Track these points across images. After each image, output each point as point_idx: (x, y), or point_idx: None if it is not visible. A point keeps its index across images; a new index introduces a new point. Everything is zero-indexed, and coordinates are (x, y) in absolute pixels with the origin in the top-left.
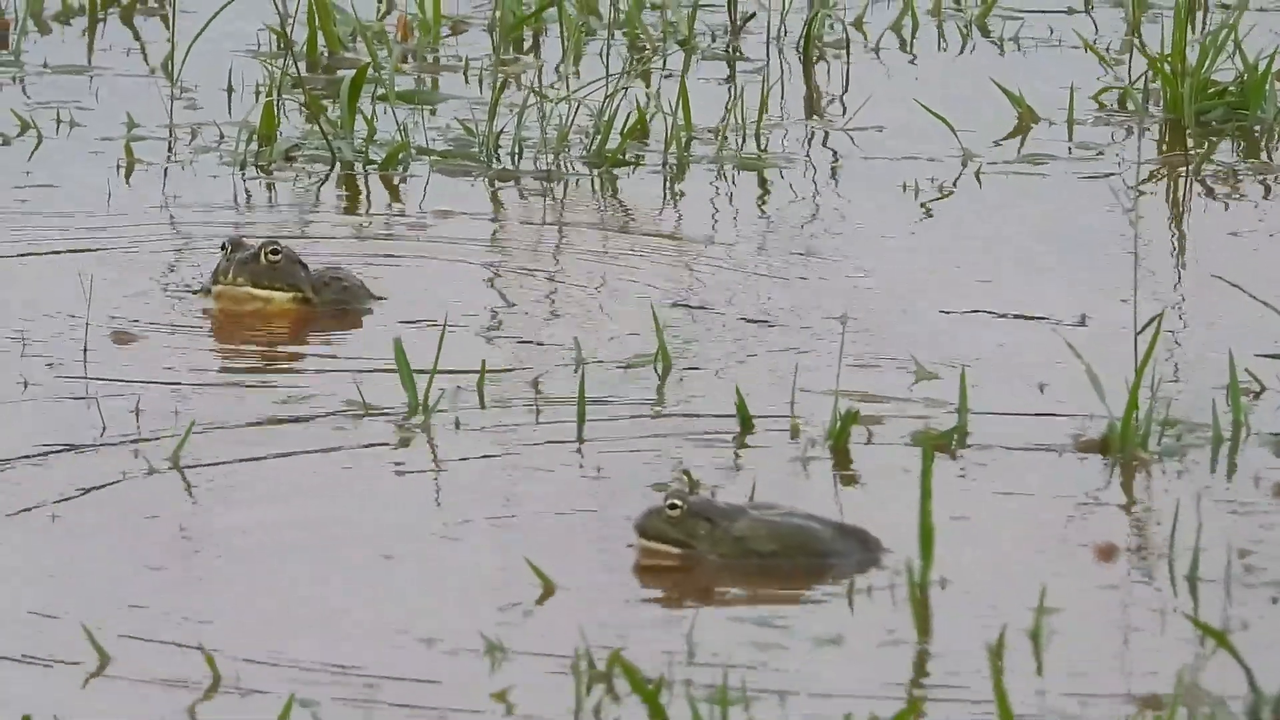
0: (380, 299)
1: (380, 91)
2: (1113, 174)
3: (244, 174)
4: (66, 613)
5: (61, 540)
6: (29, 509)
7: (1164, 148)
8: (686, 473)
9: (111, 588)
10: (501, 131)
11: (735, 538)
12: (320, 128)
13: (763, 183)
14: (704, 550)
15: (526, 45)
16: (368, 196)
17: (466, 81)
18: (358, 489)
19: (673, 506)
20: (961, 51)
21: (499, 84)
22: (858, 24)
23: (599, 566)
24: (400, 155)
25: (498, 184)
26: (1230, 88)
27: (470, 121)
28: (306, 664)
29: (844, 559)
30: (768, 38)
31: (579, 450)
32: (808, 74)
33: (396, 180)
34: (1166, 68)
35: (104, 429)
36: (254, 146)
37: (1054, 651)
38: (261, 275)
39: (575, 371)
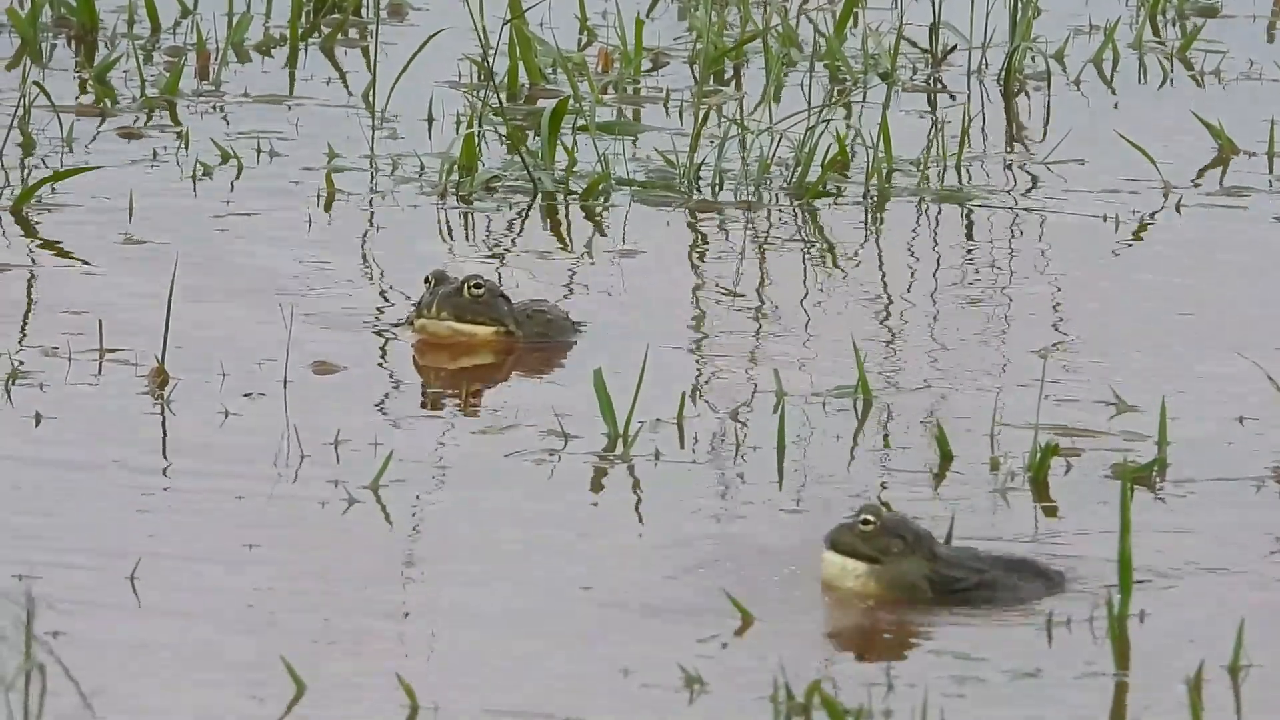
0: (582, 330)
1: (581, 123)
2: None
3: (445, 204)
4: (264, 642)
5: (259, 569)
6: (228, 537)
7: None
8: (885, 505)
9: (308, 616)
10: (702, 163)
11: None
12: (521, 158)
13: (963, 215)
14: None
15: (727, 77)
16: (568, 227)
17: (667, 113)
18: (556, 520)
19: (865, 521)
20: (1162, 84)
21: (700, 116)
22: (1058, 57)
23: (797, 599)
24: (601, 186)
25: (698, 215)
26: None
27: (671, 153)
28: (503, 691)
29: (1040, 593)
30: (969, 70)
31: (778, 483)
32: (1008, 106)
33: (597, 211)
34: None
35: (303, 458)
36: (455, 177)
37: (1252, 686)
38: (464, 309)
39: (775, 404)
